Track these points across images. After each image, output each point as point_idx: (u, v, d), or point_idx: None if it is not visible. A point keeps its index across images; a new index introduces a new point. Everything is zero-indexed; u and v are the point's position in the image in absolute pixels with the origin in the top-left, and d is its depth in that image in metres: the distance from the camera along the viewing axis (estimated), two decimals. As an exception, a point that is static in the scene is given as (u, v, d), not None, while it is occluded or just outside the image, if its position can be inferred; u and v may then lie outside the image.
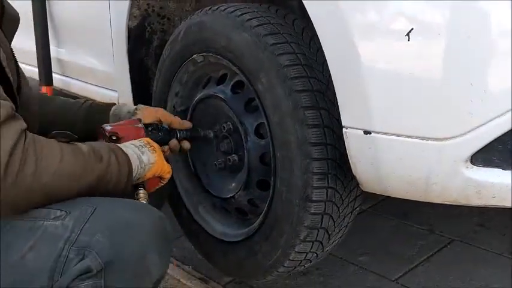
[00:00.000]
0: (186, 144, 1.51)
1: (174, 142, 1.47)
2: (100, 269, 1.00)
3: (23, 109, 1.19)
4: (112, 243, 1.01)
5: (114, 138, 1.30)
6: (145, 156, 1.22)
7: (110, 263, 1.00)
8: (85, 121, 1.47)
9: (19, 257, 1.02)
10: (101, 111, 1.49)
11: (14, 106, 1.05)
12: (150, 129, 1.41)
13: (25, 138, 1.02)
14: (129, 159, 1.18)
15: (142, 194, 1.24)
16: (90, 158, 1.10)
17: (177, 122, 1.51)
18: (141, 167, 1.21)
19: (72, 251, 1.01)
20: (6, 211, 1.02)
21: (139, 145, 1.25)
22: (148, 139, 1.29)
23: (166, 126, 1.47)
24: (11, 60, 1.23)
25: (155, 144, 1.28)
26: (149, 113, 1.47)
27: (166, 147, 1.43)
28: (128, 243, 1.03)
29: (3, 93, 1.06)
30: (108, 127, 1.32)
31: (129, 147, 1.22)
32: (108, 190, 1.13)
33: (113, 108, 1.49)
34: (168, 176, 1.31)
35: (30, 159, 1.00)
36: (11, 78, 1.15)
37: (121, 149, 1.19)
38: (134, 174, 1.20)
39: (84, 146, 1.12)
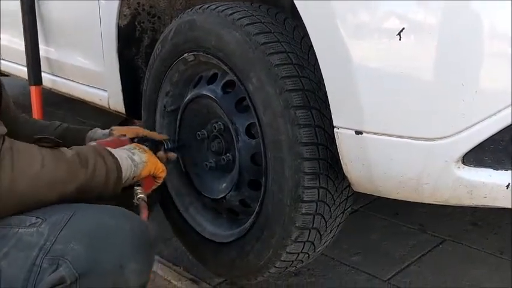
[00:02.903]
0: (173, 156, 1.51)
1: (161, 154, 1.47)
2: (74, 279, 0.96)
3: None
4: (87, 252, 0.97)
5: None
6: (136, 156, 1.23)
7: (84, 273, 0.96)
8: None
9: None
10: (76, 134, 1.48)
11: None
12: (135, 140, 1.41)
13: (2, 143, 0.99)
14: (117, 161, 1.17)
15: (139, 190, 1.25)
16: (74, 164, 1.08)
17: (155, 135, 1.52)
18: (134, 165, 1.21)
19: (46, 260, 0.97)
20: None
21: (128, 147, 1.26)
22: (136, 143, 1.31)
23: (152, 138, 1.48)
24: None
25: (144, 146, 1.29)
26: (127, 131, 1.46)
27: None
28: (104, 252, 0.99)
29: None
30: (93, 143, 1.32)
31: (119, 150, 1.22)
32: (95, 194, 1.11)
33: (89, 132, 1.49)
34: (163, 174, 1.31)
35: (6, 164, 0.98)
36: None
37: (110, 152, 1.17)
38: (128, 174, 1.19)
39: (68, 151, 1.10)
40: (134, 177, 1.22)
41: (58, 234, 0.99)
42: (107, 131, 1.49)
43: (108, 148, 1.20)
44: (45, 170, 1.03)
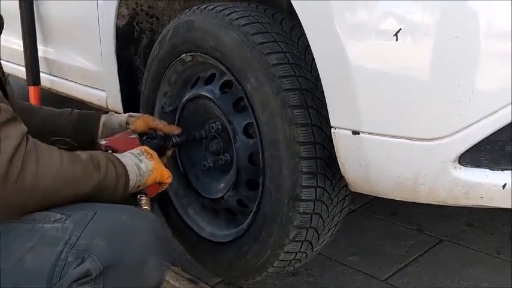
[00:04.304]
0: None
1: (168, 153, 1.48)
2: (99, 272, 0.99)
3: None
4: (111, 247, 1.01)
5: (109, 151, 1.30)
6: (143, 164, 1.24)
7: (109, 267, 1.00)
8: (74, 132, 1.46)
9: (18, 259, 1.01)
10: (90, 121, 1.49)
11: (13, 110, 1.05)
12: (144, 138, 1.41)
13: (27, 141, 1.02)
14: (126, 169, 1.18)
15: (144, 200, 1.25)
16: (88, 166, 1.10)
17: (166, 127, 1.52)
18: (140, 175, 1.22)
19: (71, 254, 1.00)
20: (5, 212, 1.01)
21: (137, 153, 1.26)
22: (144, 147, 1.31)
23: (160, 133, 1.48)
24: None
25: (152, 151, 1.29)
26: (139, 122, 1.48)
27: (163, 158, 1.43)
28: (127, 248, 1.02)
29: (3, 98, 1.07)
30: (103, 142, 1.33)
31: (127, 157, 1.23)
32: (105, 198, 1.13)
33: (103, 119, 1.49)
34: (168, 181, 1.32)
35: (31, 162, 1.00)
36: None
37: (119, 159, 1.19)
38: (134, 184, 1.20)
39: (82, 154, 1.12)
40: (139, 186, 1.23)
41: (83, 230, 1.02)
42: (123, 118, 1.49)
43: (117, 155, 1.21)
44: (64, 169, 1.05)
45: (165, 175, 1.30)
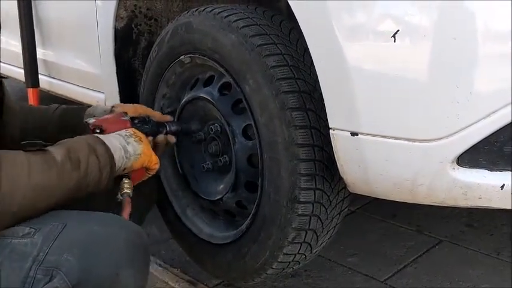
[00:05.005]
0: (172, 139, 1.46)
1: (161, 137, 1.41)
2: None
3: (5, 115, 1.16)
4: (81, 262, 0.96)
5: (97, 131, 1.25)
6: (130, 147, 1.19)
7: (78, 283, 0.95)
8: (59, 126, 1.43)
9: None
10: (75, 114, 1.44)
11: None
12: (136, 121, 1.36)
13: None
14: (111, 154, 1.13)
15: (126, 183, 1.20)
16: (64, 168, 1.05)
17: (158, 115, 1.48)
18: (126, 157, 1.17)
19: (40, 271, 0.96)
20: None
21: (125, 135, 1.21)
22: (134, 129, 1.26)
23: (154, 120, 1.43)
24: None
25: (141, 135, 1.25)
26: (129, 109, 1.42)
27: (150, 138, 1.36)
28: (98, 262, 0.97)
29: None
30: (91, 120, 1.27)
31: (114, 137, 1.18)
32: (88, 191, 1.10)
33: (88, 111, 1.45)
34: (156, 167, 1.27)
35: None
36: None
37: (103, 143, 1.13)
38: (119, 166, 1.16)
39: (58, 153, 1.06)
40: (125, 168, 1.18)
41: (51, 245, 0.98)
42: (108, 107, 1.45)
43: (101, 137, 1.16)
44: (34, 179, 1.00)
45: (153, 160, 1.25)
